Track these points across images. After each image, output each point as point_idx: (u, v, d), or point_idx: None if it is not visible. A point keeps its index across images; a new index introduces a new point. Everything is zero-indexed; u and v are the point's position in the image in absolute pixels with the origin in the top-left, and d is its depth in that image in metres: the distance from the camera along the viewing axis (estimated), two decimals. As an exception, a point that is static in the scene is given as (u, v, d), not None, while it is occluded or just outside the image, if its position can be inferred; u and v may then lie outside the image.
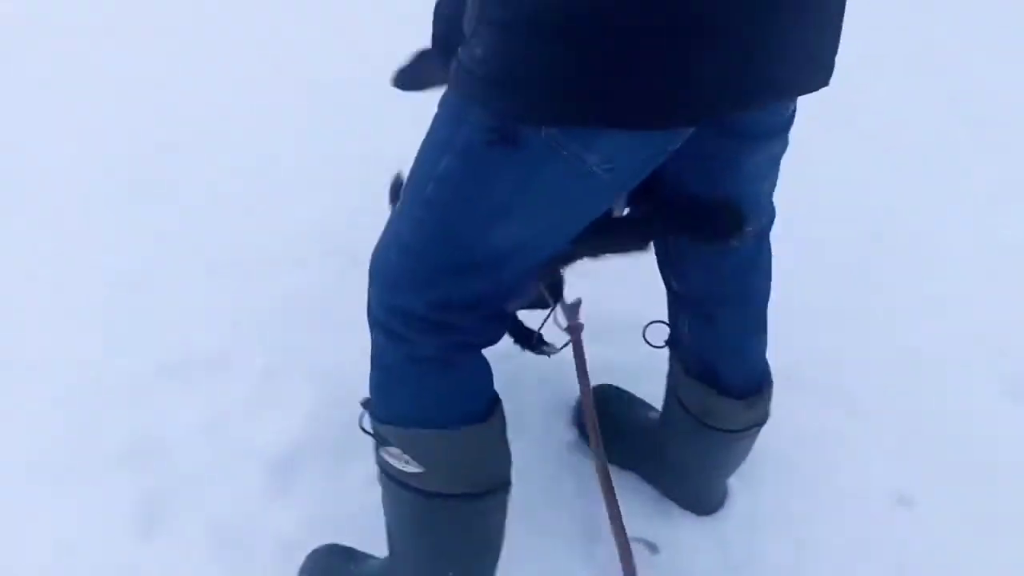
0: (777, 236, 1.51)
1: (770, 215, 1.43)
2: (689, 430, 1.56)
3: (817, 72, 1.11)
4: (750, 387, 1.49)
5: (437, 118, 1.09)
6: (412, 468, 1.16)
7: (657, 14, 0.88)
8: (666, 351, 1.64)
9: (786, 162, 1.38)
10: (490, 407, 1.21)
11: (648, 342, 1.63)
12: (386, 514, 1.32)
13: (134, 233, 2.65)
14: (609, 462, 1.50)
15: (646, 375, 1.83)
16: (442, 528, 1.24)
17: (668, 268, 1.52)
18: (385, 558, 1.42)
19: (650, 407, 1.87)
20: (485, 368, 1.23)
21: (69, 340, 2.23)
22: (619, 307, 1.95)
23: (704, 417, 1.52)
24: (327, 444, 1.92)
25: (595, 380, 1.68)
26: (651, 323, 1.63)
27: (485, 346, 1.22)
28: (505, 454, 1.23)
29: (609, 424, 1.61)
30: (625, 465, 1.77)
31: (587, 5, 0.89)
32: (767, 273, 1.48)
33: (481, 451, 1.20)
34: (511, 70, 0.95)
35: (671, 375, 1.64)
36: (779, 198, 1.47)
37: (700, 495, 1.78)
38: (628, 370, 1.99)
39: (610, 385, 1.93)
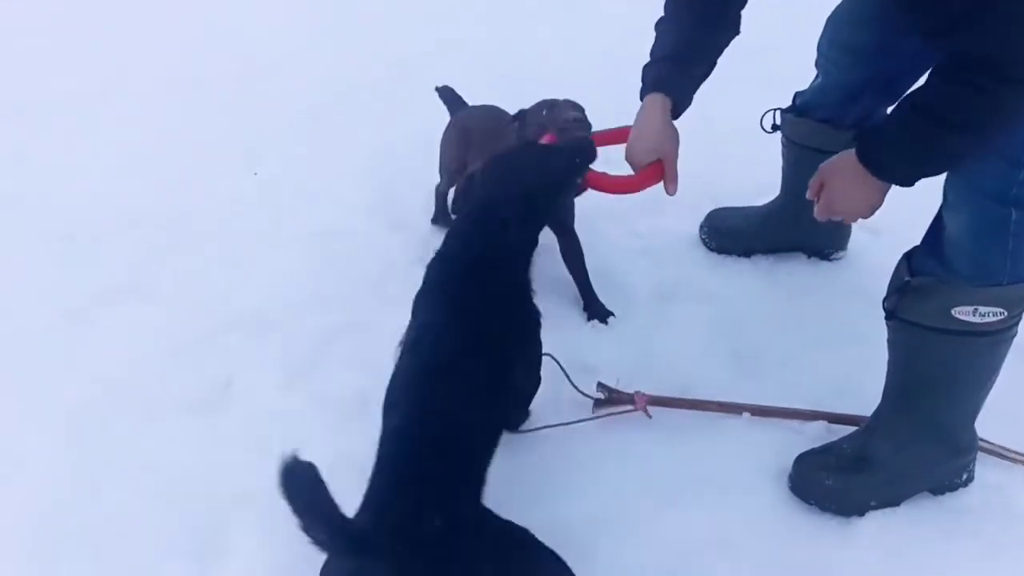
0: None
1: None
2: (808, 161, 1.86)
3: None
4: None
5: None
6: (991, 317, 1.53)
7: None
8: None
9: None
10: None
11: (763, 128, 2.09)
12: (931, 372, 1.65)
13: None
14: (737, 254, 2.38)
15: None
16: (998, 355, 1.62)
17: None
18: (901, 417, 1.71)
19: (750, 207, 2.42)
20: None
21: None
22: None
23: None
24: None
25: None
26: (766, 112, 2.10)
27: None
28: None
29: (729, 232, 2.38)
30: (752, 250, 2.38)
31: None
32: None
33: None
34: None
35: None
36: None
37: (829, 233, 2.27)
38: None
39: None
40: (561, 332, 2.02)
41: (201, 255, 2.43)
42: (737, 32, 1.86)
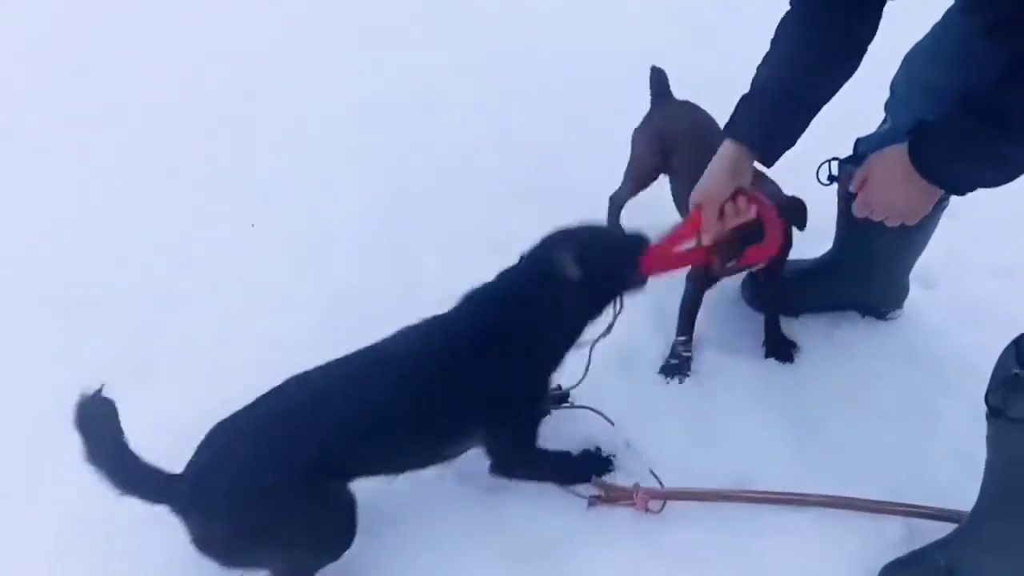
0: None
1: None
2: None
3: None
4: None
5: None
6: None
7: None
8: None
9: None
10: None
11: (819, 180, 1.78)
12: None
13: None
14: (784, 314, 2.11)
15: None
16: None
17: None
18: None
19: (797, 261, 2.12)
20: None
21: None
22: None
23: None
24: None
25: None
26: (823, 163, 1.77)
27: None
28: None
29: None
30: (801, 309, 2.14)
31: None
32: None
33: None
34: None
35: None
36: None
37: (885, 291, 2.08)
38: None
39: None
40: (602, 407, 1.88)
41: (201, 321, 2.20)
42: (856, 68, 1.62)
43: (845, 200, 1.97)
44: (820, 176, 1.85)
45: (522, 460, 1.73)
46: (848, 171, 1.89)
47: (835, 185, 1.93)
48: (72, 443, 1.82)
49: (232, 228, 2.53)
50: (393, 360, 1.59)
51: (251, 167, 2.79)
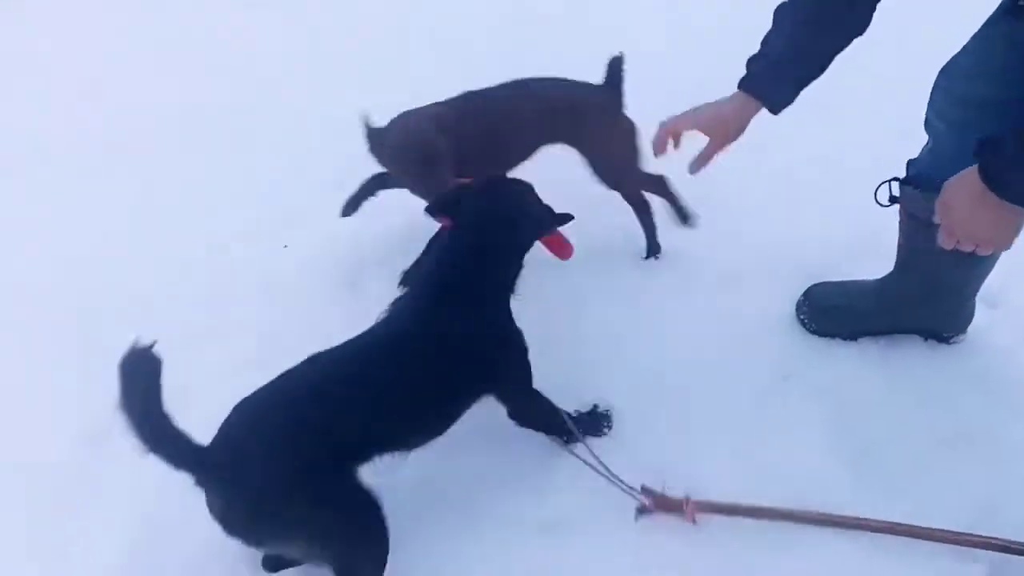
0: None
1: None
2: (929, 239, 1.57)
3: None
4: None
5: None
6: None
7: None
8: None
9: None
10: None
11: (878, 202, 1.76)
12: None
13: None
14: (842, 337, 2.08)
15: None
16: None
17: None
18: None
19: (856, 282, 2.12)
20: None
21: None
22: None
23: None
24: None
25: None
26: (881, 183, 1.75)
27: None
28: None
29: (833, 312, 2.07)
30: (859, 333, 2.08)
31: None
32: None
33: None
34: None
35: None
36: None
37: (949, 316, 2.01)
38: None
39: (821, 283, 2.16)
40: (651, 436, 1.84)
41: (238, 352, 2.09)
42: (861, 32, 1.67)
43: (908, 222, 1.89)
44: (879, 198, 1.77)
45: (528, 397, 1.78)
46: (909, 193, 1.81)
47: (895, 206, 1.84)
48: (97, 497, 1.81)
49: (260, 247, 2.51)
50: (393, 341, 1.63)
51: (272, 179, 2.79)
